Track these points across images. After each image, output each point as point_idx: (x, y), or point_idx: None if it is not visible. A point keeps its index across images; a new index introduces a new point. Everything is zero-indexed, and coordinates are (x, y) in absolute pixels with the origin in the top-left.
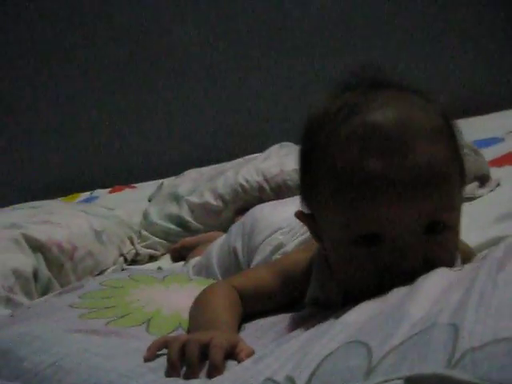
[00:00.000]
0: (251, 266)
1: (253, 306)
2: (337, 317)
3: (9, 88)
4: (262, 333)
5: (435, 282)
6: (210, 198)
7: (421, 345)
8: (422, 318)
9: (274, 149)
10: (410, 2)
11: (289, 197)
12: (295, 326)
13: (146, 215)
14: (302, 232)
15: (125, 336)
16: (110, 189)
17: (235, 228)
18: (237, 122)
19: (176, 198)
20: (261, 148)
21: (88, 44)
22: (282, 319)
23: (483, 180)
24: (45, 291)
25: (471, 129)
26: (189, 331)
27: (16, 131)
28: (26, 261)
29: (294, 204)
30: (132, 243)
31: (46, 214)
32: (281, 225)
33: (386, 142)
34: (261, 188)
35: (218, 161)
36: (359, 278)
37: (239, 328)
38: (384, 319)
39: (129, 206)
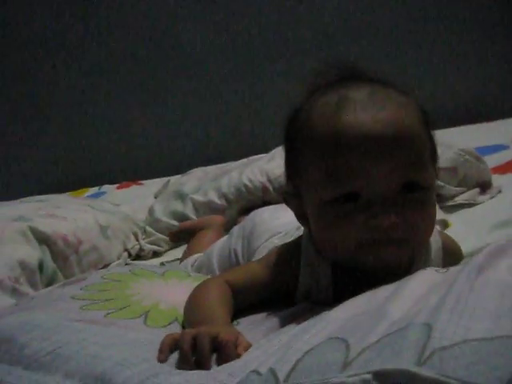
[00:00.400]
0: None
1: (245, 299)
2: (324, 314)
3: (21, 86)
4: (254, 327)
5: (420, 283)
6: (214, 197)
7: (395, 342)
8: (401, 317)
9: (278, 150)
10: (420, 11)
11: None
12: (286, 321)
13: (151, 212)
14: (296, 235)
15: (123, 327)
16: (117, 185)
17: (236, 231)
18: (243, 123)
19: (181, 196)
20: (265, 149)
21: (97, 43)
22: (274, 315)
23: (485, 187)
24: (50, 283)
25: (476, 135)
26: (184, 326)
27: (28, 128)
28: (32, 253)
29: None
30: (136, 239)
31: (52, 208)
32: (279, 230)
33: (360, 103)
34: (264, 188)
35: (223, 160)
36: (342, 242)
37: (232, 322)
38: (365, 318)
39: (135, 202)
